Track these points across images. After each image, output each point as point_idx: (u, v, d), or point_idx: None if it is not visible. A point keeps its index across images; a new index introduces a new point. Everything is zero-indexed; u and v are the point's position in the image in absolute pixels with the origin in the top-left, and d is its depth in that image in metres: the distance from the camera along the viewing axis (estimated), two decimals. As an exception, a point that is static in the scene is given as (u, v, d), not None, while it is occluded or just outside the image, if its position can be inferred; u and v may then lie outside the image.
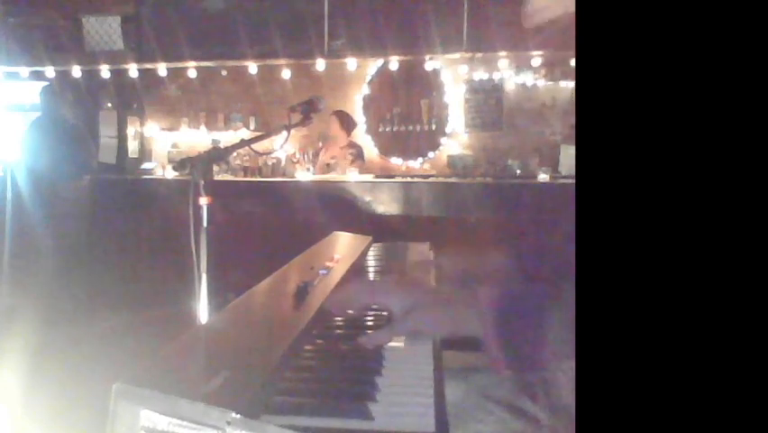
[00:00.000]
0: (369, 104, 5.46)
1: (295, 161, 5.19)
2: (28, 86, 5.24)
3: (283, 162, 5.37)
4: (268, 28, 4.53)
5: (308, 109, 1.84)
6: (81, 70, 5.18)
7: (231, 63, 5.10)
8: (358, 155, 4.53)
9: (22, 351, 2.35)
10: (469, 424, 0.84)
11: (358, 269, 1.25)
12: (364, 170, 4.44)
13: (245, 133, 5.52)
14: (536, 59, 4.86)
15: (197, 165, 1.57)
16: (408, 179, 4.34)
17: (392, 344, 0.77)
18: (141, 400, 0.44)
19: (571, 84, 4.86)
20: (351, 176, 4.22)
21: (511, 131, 5.23)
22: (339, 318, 0.88)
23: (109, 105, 5.73)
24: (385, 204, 3.85)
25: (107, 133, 5.65)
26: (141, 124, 5.93)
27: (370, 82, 5.42)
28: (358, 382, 0.64)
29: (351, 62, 4.79)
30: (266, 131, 1.98)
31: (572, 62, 4.70)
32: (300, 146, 5.42)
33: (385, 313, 0.87)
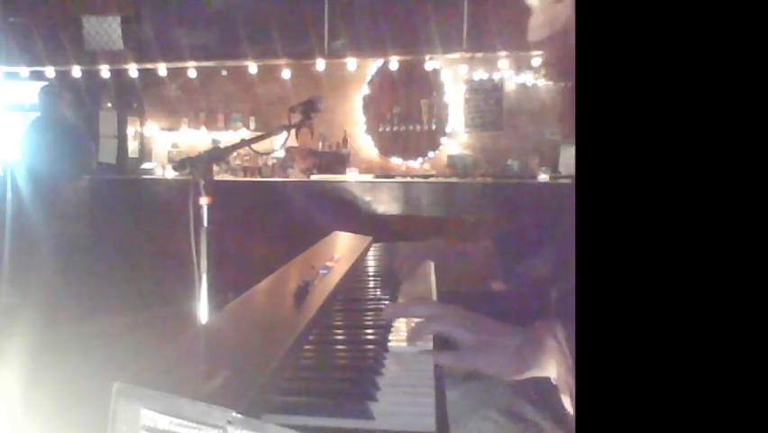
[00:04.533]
0: (369, 104, 5.46)
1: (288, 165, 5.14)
2: (28, 86, 5.24)
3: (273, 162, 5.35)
4: (268, 28, 4.52)
5: (308, 109, 1.84)
6: (81, 70, 5.17)
7: (231, 63, 5.10)
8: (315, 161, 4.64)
9: (22, 350, 2.35)
10: (469, 425, 0.84)
11: (358, 269, 1.25)
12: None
13: (245, 133, 5.52)
14: (536, 59, 4.85)
15: (197, 165, 1.57)
16: (408, 179, 4.34)
17: (394, 344, 0.77)
18: (142, 399, 0.44)
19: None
20: (351, 176, 4.22)
21: (511, 131, 5.23)
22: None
23: (109, 105, 5.73)
24: (385, 204, 3.85)
25: (107, 133, 5.65)
26: (141, 124, 5.93)
27: (370, 82, 5.42)
28: (358, 382, 0.64)
29: (351, 62, 4.79)
30: (266, 131, 1.98)
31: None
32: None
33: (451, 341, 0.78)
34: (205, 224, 1.56)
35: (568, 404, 0.67)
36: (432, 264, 1.21)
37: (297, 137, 4.57)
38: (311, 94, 1.90)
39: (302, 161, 4.51)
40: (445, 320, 0.73)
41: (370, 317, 0.89)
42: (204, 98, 5.72)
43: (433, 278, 1.15)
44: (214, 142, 5.45)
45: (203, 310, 1.55)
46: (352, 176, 4.23)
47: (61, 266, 3.69)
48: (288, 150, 4.61)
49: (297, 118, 1.85)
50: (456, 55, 4.64)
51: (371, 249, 1.52)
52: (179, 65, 5.12)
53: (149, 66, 5.13)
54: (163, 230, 3.82)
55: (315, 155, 4.73)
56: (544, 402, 0.82)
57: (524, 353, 0.69)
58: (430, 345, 0.75)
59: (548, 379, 0.69)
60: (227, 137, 5.55)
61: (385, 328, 0.82)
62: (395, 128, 5.40)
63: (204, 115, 5.75)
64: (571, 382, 0.65)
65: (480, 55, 4.72)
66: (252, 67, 5.04)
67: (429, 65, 5.02)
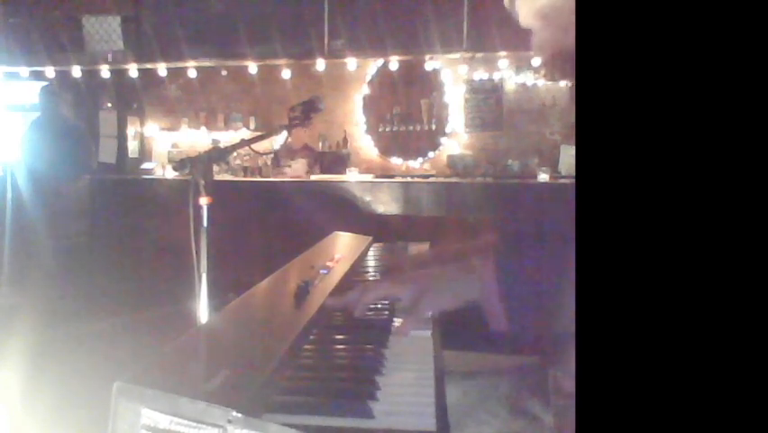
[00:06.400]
0: (369, 104, 5.46)
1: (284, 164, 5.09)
2: (28, 86, 5.23)
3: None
4: (268, 28, 4.52)
5: (308, 109, 1.84)
6: (81, 70, 5.17)
7: (231, 63, 5.10)
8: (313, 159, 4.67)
9: (22, 350, 2.35)
10: (470, 424, 0.84)
11: (358, 269, 1.25)
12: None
13: (245, 133, 5.51)
14: (536, 59, 4.85)
15: (197, 165, 1.57)
16: (408, 179, 4.34)
17: (395, 338, 0.78)
18: (143, 398, 0.44)
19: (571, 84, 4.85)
20: (351, 176, 4.23)
21: (511, 131, 5.23)
22: (341, 317, 0.89)
23: (109, 105, 5.73)
24: (385, 204, 3.85)
25: (107, 133, 5.65)
26: (141, 124, 5.93)
27: (370, 82, 5.41)
28: (359, 381, 0.64)
29: (351, 62, 4.79)
30: (266, 131, 1.98)
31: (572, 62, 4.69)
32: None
33: (388, 307, 0.90)
34: (205, 224, 1.56)
35: (495, 322, 0.74)
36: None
37: (290, 137, 4.56)
38: (311, 94, 1.89)
39: (303, 160, 4.50)
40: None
41: (369, 317, 0.89)
42: (204, 98, 5.72)
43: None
44: (214, 142, 5.45)
45: (203, 310, 1.55)
46: (351, 176, 4.23)
47: (61, 266, 3.69)
48: (281, 147, 4.61)
49: (297, 118, 1.84)
50: (456, 55, 4.64)
51: (371, 249, 1.52)
52: (179, 65, 5.12)
53: (149, 66, 5.13)
54: (163, 230, 3.82)
55: (310, 151, 4.71)
56: (546, 395, 0.83)
57: (448, 287, 0.80)
58: (428, 332, 0.80)
59: (548, 374, 0.71)
60: (227, 137, 5.55)
61: (385, 327, 0.82)
62: (395, 128, 5.40)
63: (204, 115, 5.75)
64: (498, 306, 0.73)
65: (480, 55, 4.72)
66: (252, 67, 5.04)
67: (429, 65, 5.02)
